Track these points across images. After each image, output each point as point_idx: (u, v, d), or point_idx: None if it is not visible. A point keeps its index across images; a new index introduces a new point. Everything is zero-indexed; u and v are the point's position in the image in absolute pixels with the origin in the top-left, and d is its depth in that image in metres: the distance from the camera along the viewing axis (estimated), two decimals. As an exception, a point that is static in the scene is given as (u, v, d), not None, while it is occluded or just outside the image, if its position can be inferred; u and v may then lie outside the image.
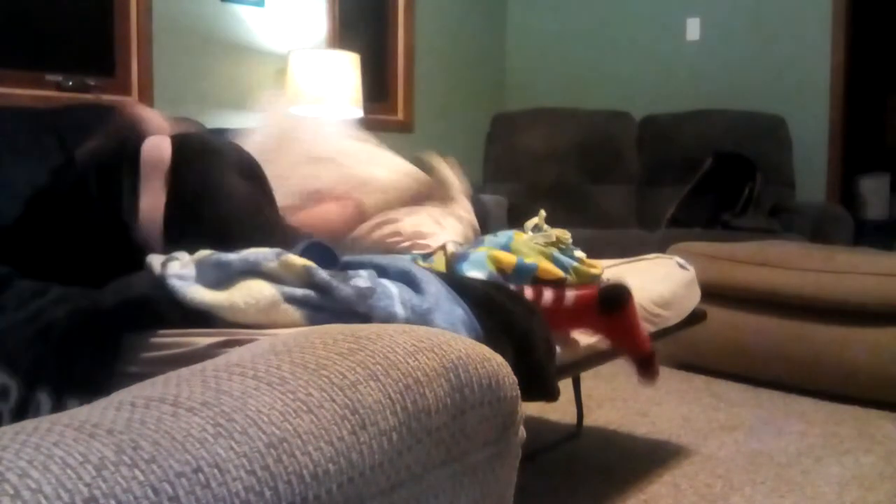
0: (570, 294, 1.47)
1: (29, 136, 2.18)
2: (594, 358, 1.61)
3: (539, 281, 1.70)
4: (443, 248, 1.81)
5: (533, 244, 1.78)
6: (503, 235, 1.81)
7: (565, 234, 1.87)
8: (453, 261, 1.71)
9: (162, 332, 1.03)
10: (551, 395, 1.22)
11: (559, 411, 2.42)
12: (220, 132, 2.72)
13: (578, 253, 1.87)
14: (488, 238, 1.83)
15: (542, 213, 1.95)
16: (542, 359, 1.25)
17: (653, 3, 4.61)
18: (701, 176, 3.83)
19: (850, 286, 2.53)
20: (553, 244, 1.81)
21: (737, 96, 4.27)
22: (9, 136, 2.16)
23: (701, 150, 3.94)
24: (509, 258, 1.68)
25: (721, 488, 1.85)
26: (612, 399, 2.59)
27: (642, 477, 1.92)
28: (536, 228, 1.90)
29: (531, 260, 1.70)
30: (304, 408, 0.58)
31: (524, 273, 1.68)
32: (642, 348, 1.57)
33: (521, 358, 1.17)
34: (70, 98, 2.91)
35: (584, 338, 1.53)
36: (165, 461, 0.49)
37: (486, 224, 3.03)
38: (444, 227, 1.92)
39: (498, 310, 1.24)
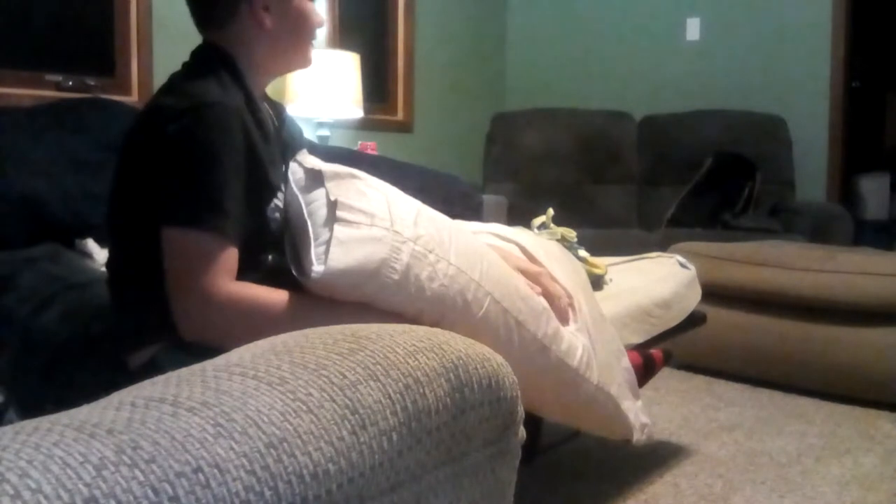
0: None
1: (46, 119, 2.21)
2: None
3: None
4: None
5: (537, 242, 1.79)
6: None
7: (570, 233, 1.88)
8: None
9: None
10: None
11: (559, 411, 2.41)
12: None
13: (582, 252, 1.88)
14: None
15: (550, 211, 1.95)
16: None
17: (653, 3, 4.61)
18: (701, 176, 3.83)
19: (850, 286, 2.52)
20: (557, 242, 1.82)
21: (737, 96, 4.27)
22: (27, 120, 2.18)
23: (701, 150, 3.94)
24: None
25: (721, 488, 1.85)
26: (612, 399, 2.58)
27: (642, 477, 1.92)
28: (543, 226, 1.91)
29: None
30: (304, 408, 0.58)
31: None
32: None
33: None
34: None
35: None
36: (165, 461, 0.49)
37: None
38: None
39: None
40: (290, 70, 1.35)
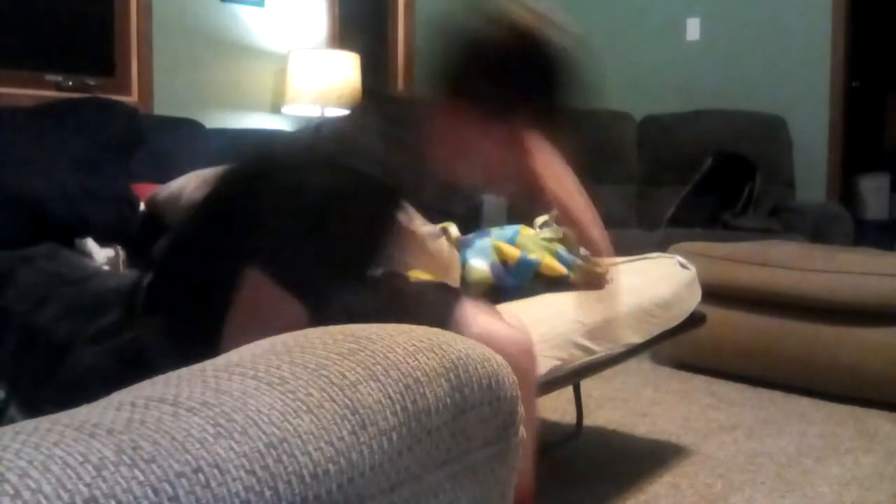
0: None
1: (46, 119, 2.22)
2: (595, 365, 1.61)
3: (542, 277, 1.71)
4: (444, 230, 1.81)
5: (538, 240, 1.79)
6: (509, 229, 1.81)
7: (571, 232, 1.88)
8: (457, 246, 1.71)
9: None
10: None
11: (559, 411, 2.42)
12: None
13: (583, 251, 1.88)
14: (494, 231, 1.83)
15: (554, 210, 1.95)
16: None
17: (653, 3, 4.61)
18: (701, 176, 3.83)
19: (850, 286, 2.52)
20: (559, 241, 1.82)
21: (737, 96, 4.27)
22: (27, 120, 2.19)
23: (701, 150, 3.94)
24: (513, 251, 1.69)
25: (721, 488, 1.85)
26: (612, 399, 2.58)
27: (642, 477, 1.92)
28: (545, 224, 1.91)
29: (535, 255, 1.70)
30: (304, 408, 0.58)
31: (526, 267, 1.68)
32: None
33: None
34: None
35: None
36: (165, 461, 0.49)
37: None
38: None
39: None
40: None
